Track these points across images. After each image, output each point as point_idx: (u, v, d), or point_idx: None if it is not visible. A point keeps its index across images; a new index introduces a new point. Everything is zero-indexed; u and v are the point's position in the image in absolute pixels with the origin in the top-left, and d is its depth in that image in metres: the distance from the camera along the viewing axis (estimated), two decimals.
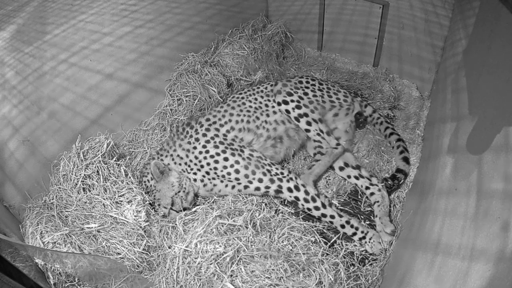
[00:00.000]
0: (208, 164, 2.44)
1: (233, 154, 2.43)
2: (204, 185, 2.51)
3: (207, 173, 2.47)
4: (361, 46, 3.74)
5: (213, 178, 2.48)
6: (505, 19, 1.68)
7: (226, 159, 2.42)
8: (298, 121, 2.62)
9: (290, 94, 2.66)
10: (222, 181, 2.47)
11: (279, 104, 2.67)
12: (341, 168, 2.70)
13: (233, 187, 2.46)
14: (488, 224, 1.30)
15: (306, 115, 2.61)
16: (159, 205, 2.43)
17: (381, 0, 3.34)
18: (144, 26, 3.02)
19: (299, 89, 2.73)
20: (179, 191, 2.43)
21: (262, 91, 2.82)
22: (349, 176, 2.68)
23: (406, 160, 2.70)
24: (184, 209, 2.43)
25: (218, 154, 2.43)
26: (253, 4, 4.05)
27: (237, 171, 2.40)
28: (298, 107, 2.62)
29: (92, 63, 2.70)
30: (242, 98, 2.76)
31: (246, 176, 2.40)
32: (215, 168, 2.43)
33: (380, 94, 3.39)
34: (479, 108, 1.77)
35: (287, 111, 2.64)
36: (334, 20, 3.84)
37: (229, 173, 2.41)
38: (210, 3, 3.59)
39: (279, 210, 2.44)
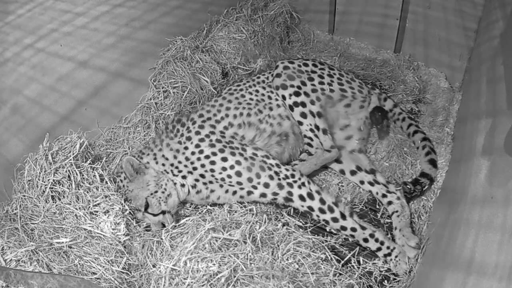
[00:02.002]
0: (202, 166, 2.43)
1: (233, 154, 2.42)
2: (198, 192, 2.51)
3: (202, 176, 2.46)
4: (380, 29, 3.74)
5: (210, 182, 2.47)
6: None
7: (224, 159, 2.41)
8: (292, 109, 2.62)
9: (291, 78, 2.66)
10: (221, 186, 2.47)
11: (277, 88, 2.68)
12: (353, 172, 2.70)
13: (234, 192, 2.46)
14: None
15: (303, 104, 2.60)
16: (137, 210, 2.42)
17: None
18: (124, 5, 3.02)
19: (303, 73, 2.73)
20: (156, 191, 2.42)
21: (263, 81, 2.82)
22: (362, 182, 2.68)
23: (433, 162, 2.70)
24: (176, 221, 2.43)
25: (214, 154, 2.42)
26: None
27: (238, 174, 2.40)
28: (297, 94, 2.62)
29: (62, 49, 2.70)
30: (241, 90, 2.76)
31: (250, 179, 2.39)
32: (212, 170, 2.43)
33: (402, 85, 3.39)
34: None
35: (283, 97, 2.65)
36: None
37: (229, 176, 2.41)
38: None
39: (284, 220, 2.44)
